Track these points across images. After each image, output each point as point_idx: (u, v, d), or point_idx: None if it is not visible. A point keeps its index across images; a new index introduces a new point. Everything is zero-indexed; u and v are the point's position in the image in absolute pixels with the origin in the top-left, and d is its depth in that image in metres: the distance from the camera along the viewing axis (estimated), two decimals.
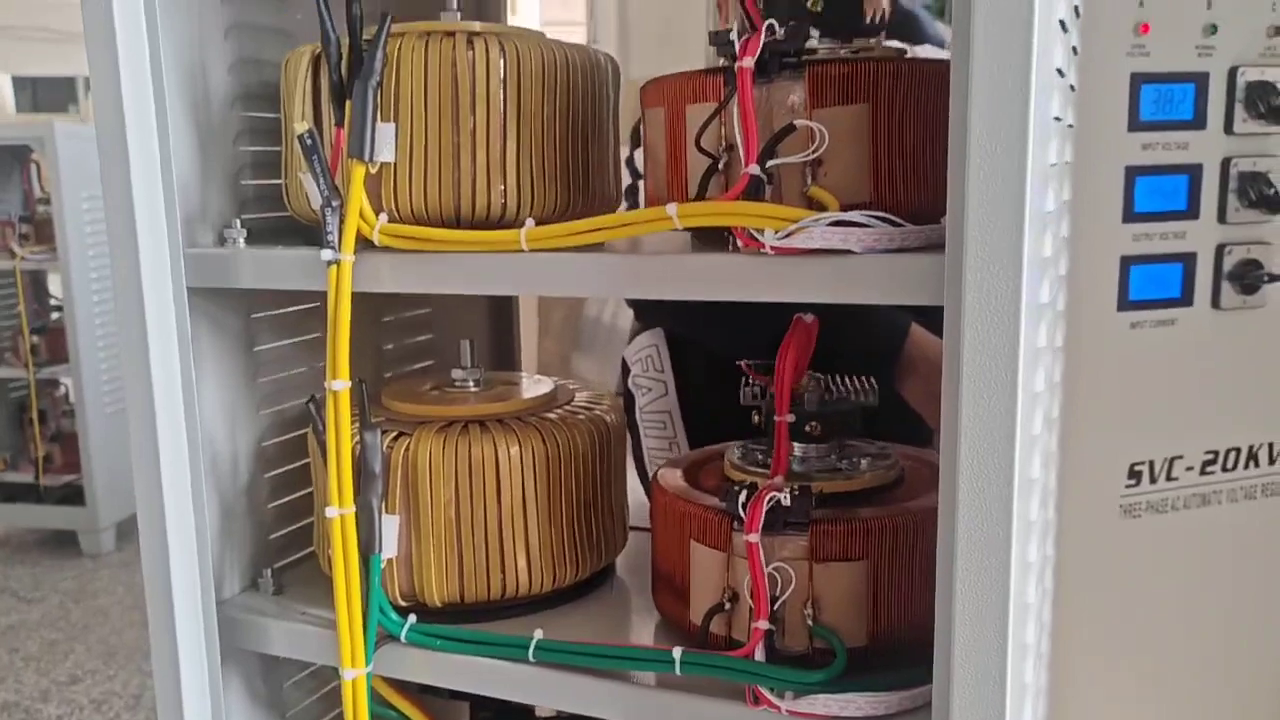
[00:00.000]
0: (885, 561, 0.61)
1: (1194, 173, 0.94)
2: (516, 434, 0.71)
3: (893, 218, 0.54)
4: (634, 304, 1.40)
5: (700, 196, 0.59)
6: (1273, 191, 0.93)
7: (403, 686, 0.74)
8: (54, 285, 2.31)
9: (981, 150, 0.47)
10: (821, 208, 0.55)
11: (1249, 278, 0.96)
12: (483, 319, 1.02)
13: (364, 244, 0.65)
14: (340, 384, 0.64)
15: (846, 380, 0.72)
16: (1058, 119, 0.58)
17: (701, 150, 0.58)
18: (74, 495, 2.28)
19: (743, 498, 0.61)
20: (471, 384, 0.78)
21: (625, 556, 0.82)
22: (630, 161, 1.36)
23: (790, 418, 0.65)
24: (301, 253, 0.67)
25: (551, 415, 0.74)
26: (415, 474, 0.69)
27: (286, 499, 0.82)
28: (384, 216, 0.64)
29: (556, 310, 3.42)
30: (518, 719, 0.90)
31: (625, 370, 1.43)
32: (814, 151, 0.55)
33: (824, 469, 0.68)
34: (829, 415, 0.67)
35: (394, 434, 0.71)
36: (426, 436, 0.70)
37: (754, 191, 0.55)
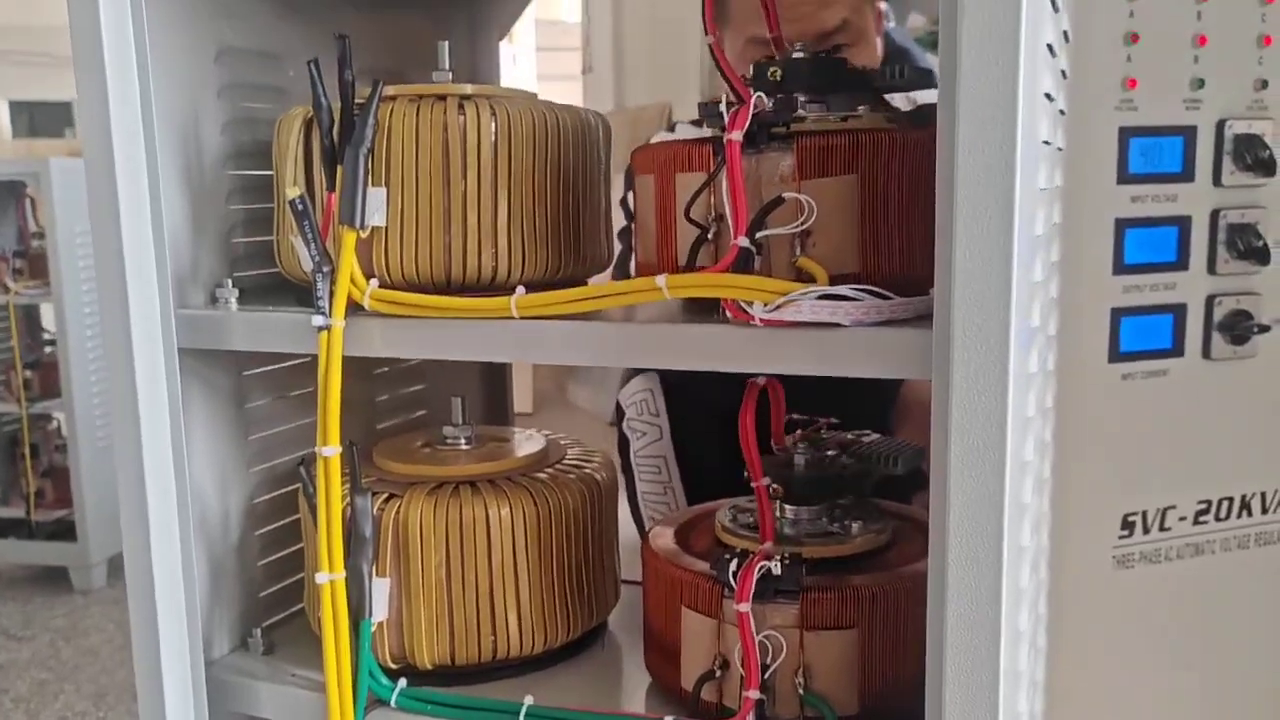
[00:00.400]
0: (877, 629, 0.61)
1: (1183, 224, 0.94)
2: (507, 494, 0.71)
3: (880, 291, 0.54)
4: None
5: (690, 265, 0.59)
6: (1261, 243, 0.94)
7: None
8: (47, 319, 2.31)
9: (967, 224, 0.48)
10: (810, 279, 0.56)
11: (1239, 328, 0.96)
12: (475, 365, 1.02)
13: (355, 308, 0.65)
14: (330, 450, 0.64)
15: (839, 434, 0.72)
16: (1043, 189, 0.58)
17: (691, 221, 0.59)
18: (65, 531, 2.27)
19: (733, 566, 0.61)
20: (463, 441, 0.78)
21: (618, 608, 0.81)
22: (624, 202, 1.36)
23: (767, 481, 0.64)
24: (293, 317, 0.67)
25: (542, 475, 0.74)
26: (406, 536, 0.69)
27: (277, 555, 0.82)
28: (375, 282, 0.64)
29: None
30: None
31: (620, 413, 1.43)
32: (802, 223, 0.56)
33: (814, 532, 0.68)
34: (813, 481, 0.67)
35: (385, 496, 0.71)
36: (417, 498, 0.70)
37: (743, 263, 0.56)
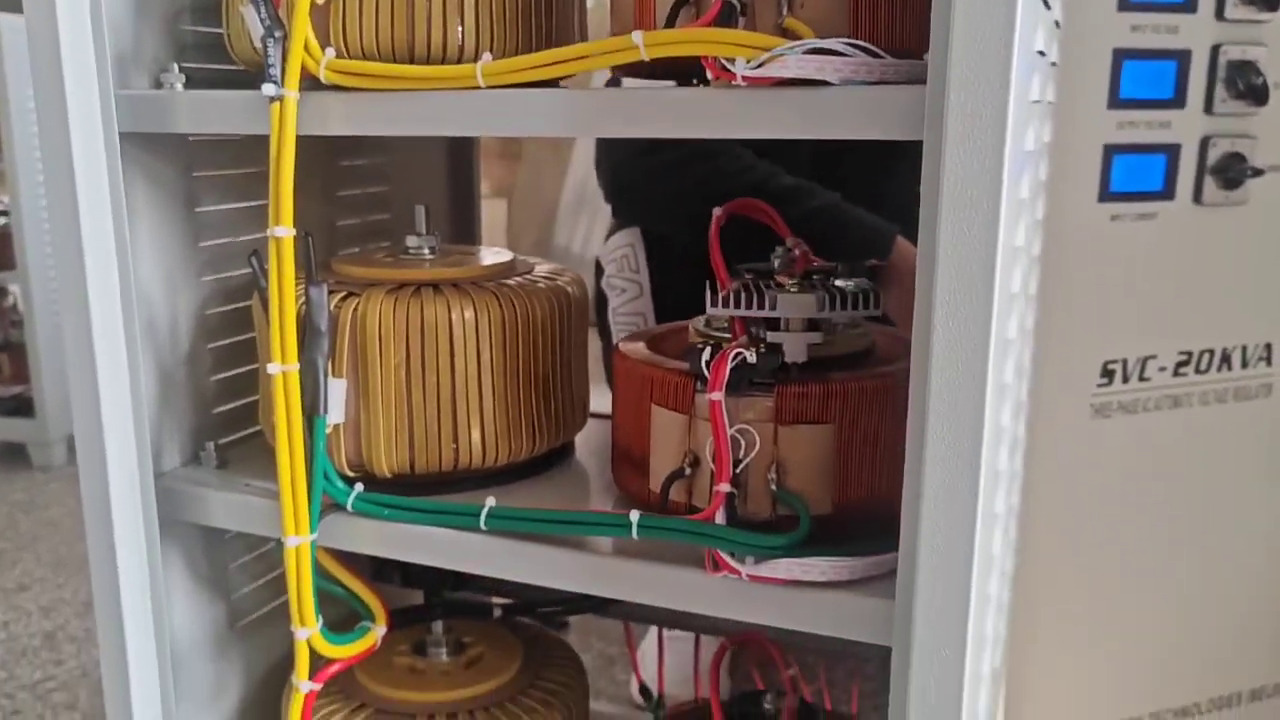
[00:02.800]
0: (853, 426, 0.59)
1: (1183, 59, 0.91)
2: (472, 298, 0.67)
3: (873, 48, 0.50)
4: (611, 200, 1.35)
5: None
6: (1261, 81, 0.91)
7: (351, 562, 0.72)
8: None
9: None
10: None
11: (1233, 172, 0.94)
12: (441, 184, 0.98)
13: (311, 84, 0.61)
14: (284, 230, 0.60)
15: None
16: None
17: None
18: (23, 407, 2.22)
19: (706, 355, 0.58)
20: (426, 251, 0.74)
21: (586, 445, 0.79)
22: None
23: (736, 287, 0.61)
24: (243, 93, 0.62)
25: (510, 282, 0.70)
26: (364, 336, 0.66)
27: (231, 373, 0.78)
28: (331, 51, 0.60)
29: (526, 235, 3.36)
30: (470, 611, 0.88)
31: (599, 271, 1.39)
32: None
33: None
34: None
35: (343, 294, 0.67)
36: (376, 297, 0.66)
37: (726, 18, 0.52)
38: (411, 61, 0.61)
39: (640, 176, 1.26)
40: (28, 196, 2.12)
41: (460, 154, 0.98)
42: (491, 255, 0.76)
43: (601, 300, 1.38)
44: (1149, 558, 1.06)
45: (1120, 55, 0.89)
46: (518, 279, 0.71)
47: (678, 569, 0.59)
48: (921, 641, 0.51)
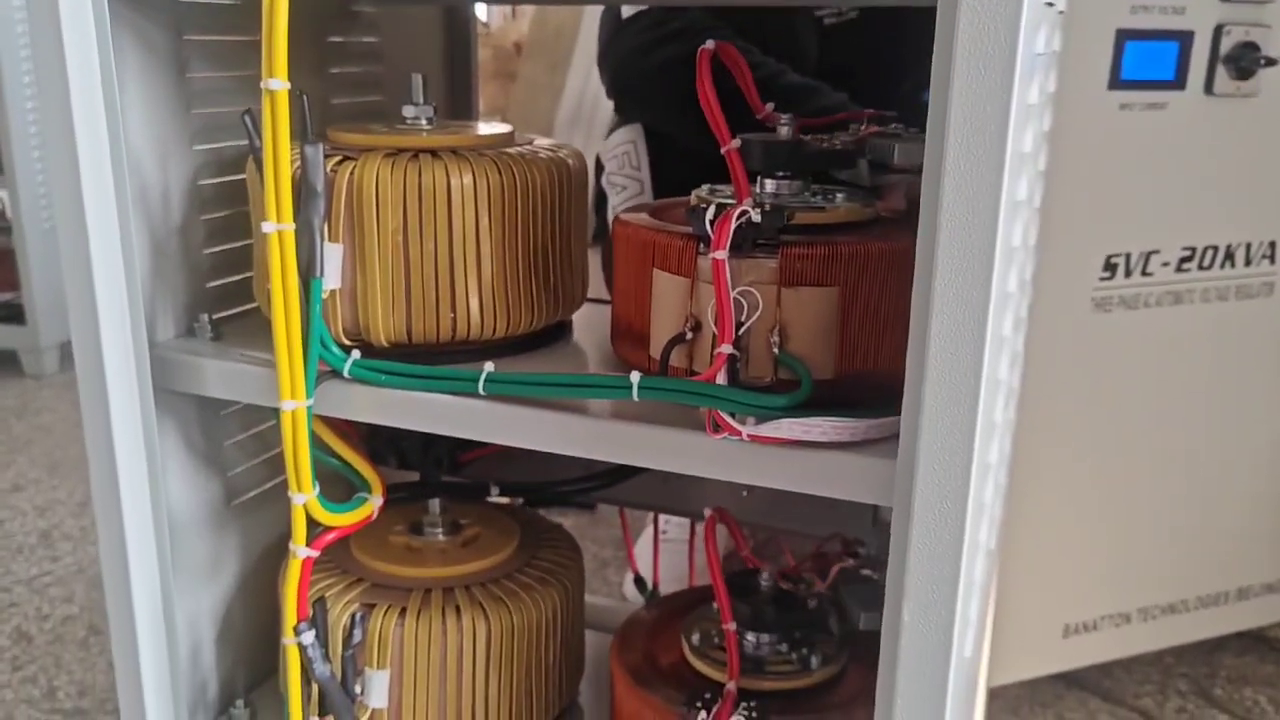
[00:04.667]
0: (857, 290, 0.58)
1: None
2: (470, 164, 0.66)
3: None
4: (613, 96, 1.33)
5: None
6: None
7: (345, 436, 0.71)
8: None
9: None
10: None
11: (1246, 60, 0.92)
12: (437, 64, 0.96)
13: None
14: (277, 83, 0.59)
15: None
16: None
17: None
18: (14, 314, 2.20)
19: (710, 214, 0.57)
20: (424, 121, 0.73)
21: (585, 326, 0.78)
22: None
23: (737, 144, 0.60)
24: None
25: (509, 150, 0.69)
26: (361, 200, 0.65)
27: (225, 246, 0.77)
28: None
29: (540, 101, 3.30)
30: (465, 492, 0.88)
31: (599, 168, 1.37)
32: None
33: (797, 203, 0.64)
34: (795, 148, 0.63)
35: (339, 158, 0.66)
36: (373, 161, 0.65)
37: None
38: None
39: (642, 74, 1.23)
40: (13, 98, 2.08)
41: (456, 32, 0.96)
42: (490, 127, 0.74)
43: (602, 198, 1.36)
44: (1144, 453, 1.07)
45: None
46: (517, 149, 0.70)
47: (679, 431, 0.58)
48: (923, 500, 0.51)
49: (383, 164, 0.65)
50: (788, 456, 0.56)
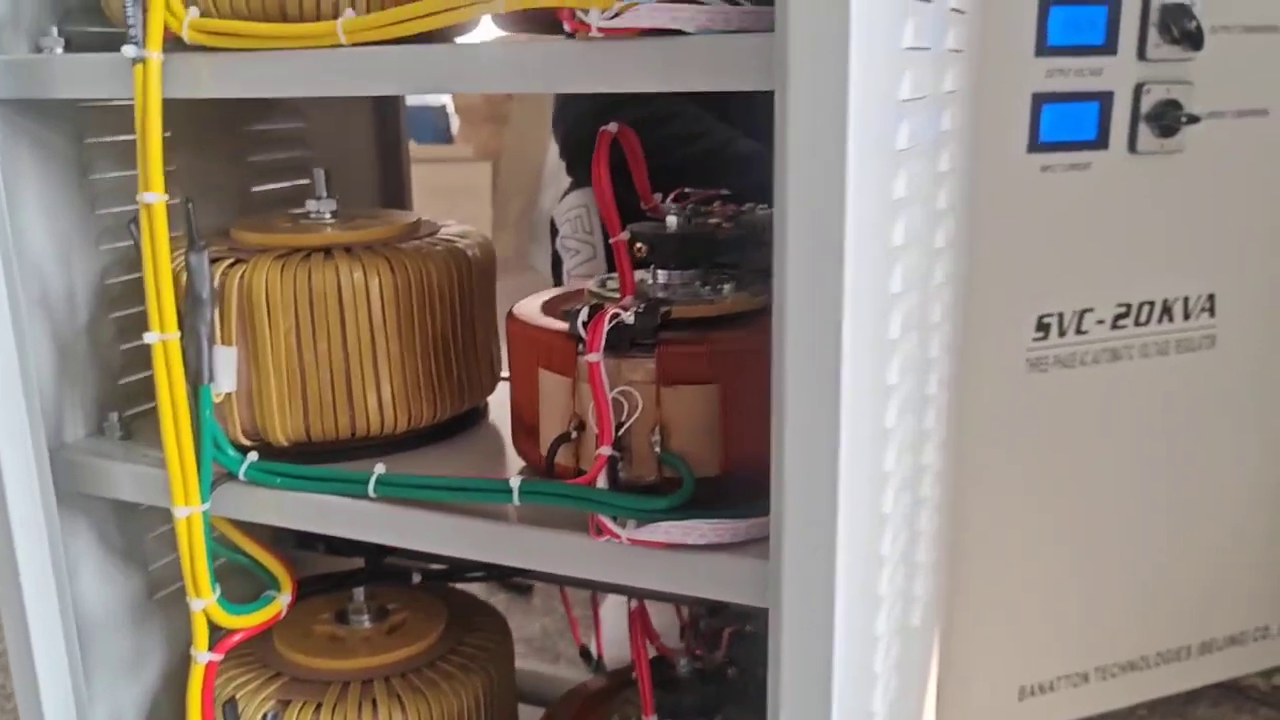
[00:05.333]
0: (738, 386, 0.58)
1: (1113, 4, 0.89)
2: (363, 263, 0.66)
3: None
4: (565, 159, 1.33)
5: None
6: (1195, 25, 0.88)
7: (254, 532, 0.71)
8: None
9: None
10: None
11: (1167, 118, 0.92)
12: (368, 148, 0.97)
13: (178, 44, 0.59)
14: (153, 196, 0.59)
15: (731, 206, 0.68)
16: None
17: None
18: None
19: (584, 316, 0.56)
20: (327, 215, 0.73)
21: (503, 409, 0.78)
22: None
23: (628, 236, 0.60)
24: (109, 55, 0.60)
25: (404, 246, 0.69)
26: (252, 303, 0.65)
27: (136, 343, 0.77)
28: (195, 10, 0.58)
29: (513, 203, 3.34)
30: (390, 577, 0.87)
31: (554, 231, 1.37)
32: None
33: (686, 295, 0.64)
34: (684, 239, 0.63)
35: (231, 260, 0.66)
36: (264, 265, 0.65)
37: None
38: (285, 19, 0.60)
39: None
40: None
41: (386, 116, 0.97)
42: (395, 218, 0.74)
43: (557, 261, 1.36)
44: (1092, 511, 1.05)
45: (1047, 1, 0.87)
46: (415, 242, 0.70)
47: (563, 534, 0.58)
48: (790, 603, 0.50)
49: (273, 267, 0.65)
50: (668, 559, 0.55)
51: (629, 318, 0.56)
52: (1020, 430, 0.97)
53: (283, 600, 0.70)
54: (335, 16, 0.59)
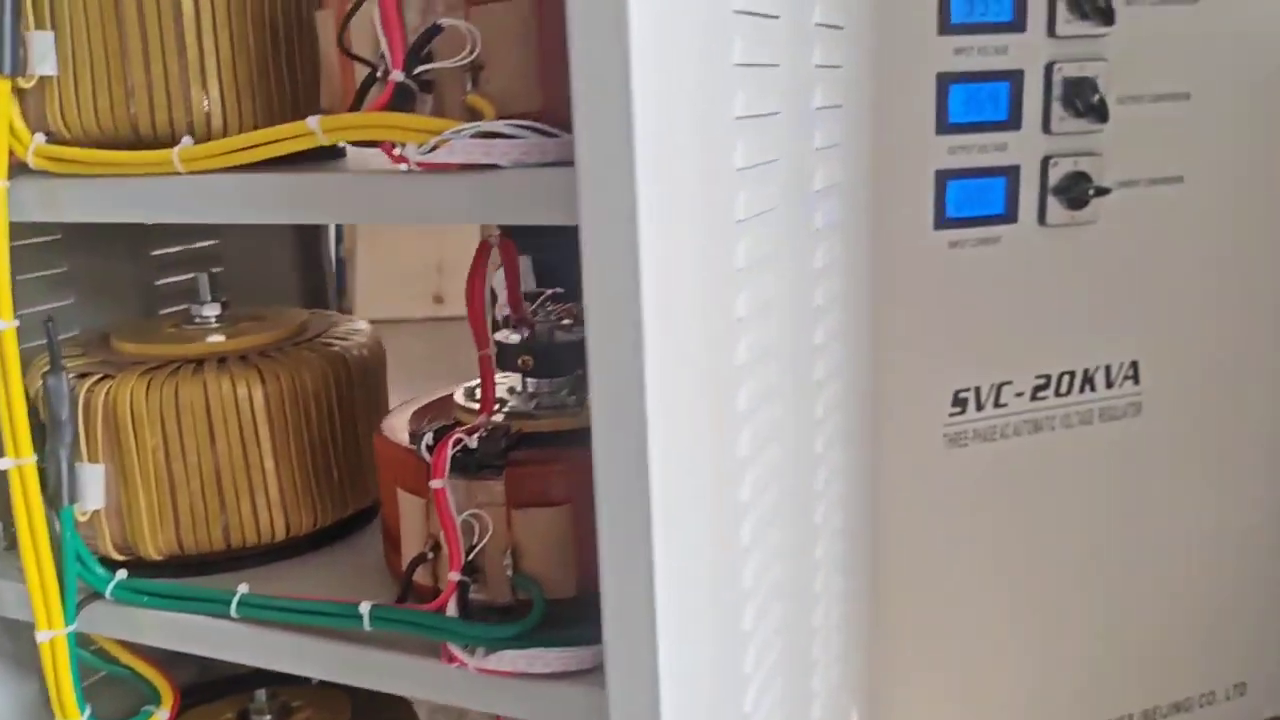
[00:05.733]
0: (591, 506, 0.57)
1: (1014, 79, 0.88)
2: (232, 374, 0.66)
3: (547, 128, 0.48)
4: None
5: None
6: (1098, 98, 0.88)
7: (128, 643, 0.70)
8: None
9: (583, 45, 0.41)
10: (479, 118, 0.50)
11: (1076, 191, 0.91)
12: (286, 240, 0.96)
13: (24, 168, 0.59)
14: (2, 324, 0.59)
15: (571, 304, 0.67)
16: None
17: (352, 56, 0.52)
18: None
19: (428, 439, 0.56)
20: (212, 320, 0.73)
21: None
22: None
23: (494, 349, 0.59)
24: None
25: (276, 353, 0.68)
26: (118, 420, 0.64)
27: None
28: (41, 136, 0.58)
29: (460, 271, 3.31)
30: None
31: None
32: (468, 55, 0.49)
33: (553, 406, 0.63)
34: (551, 349, 0.62)
35: (97, 377, 0.65)
36: (129, 379, 0.65)
37: (401, 100, 0.50)
38: (137, 137, 0.59)
39: None
40: None
41: None
42: (284, 319, 0.74)
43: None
44: (1020, 587, 1.04)
45: (946, 79, 0.87)
46: (289, 348, 0.70)
47: (416, 659, 0.57)
48: None
49: (138, 383, 0.64)
50: (514, 687, 0.54)
51: (473, 442, 0.55)
52: (942, 508, 0.96)
53: (160, 715, 0.70)
54: (187, 135, 0.59)
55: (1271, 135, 0.96)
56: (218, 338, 0.70)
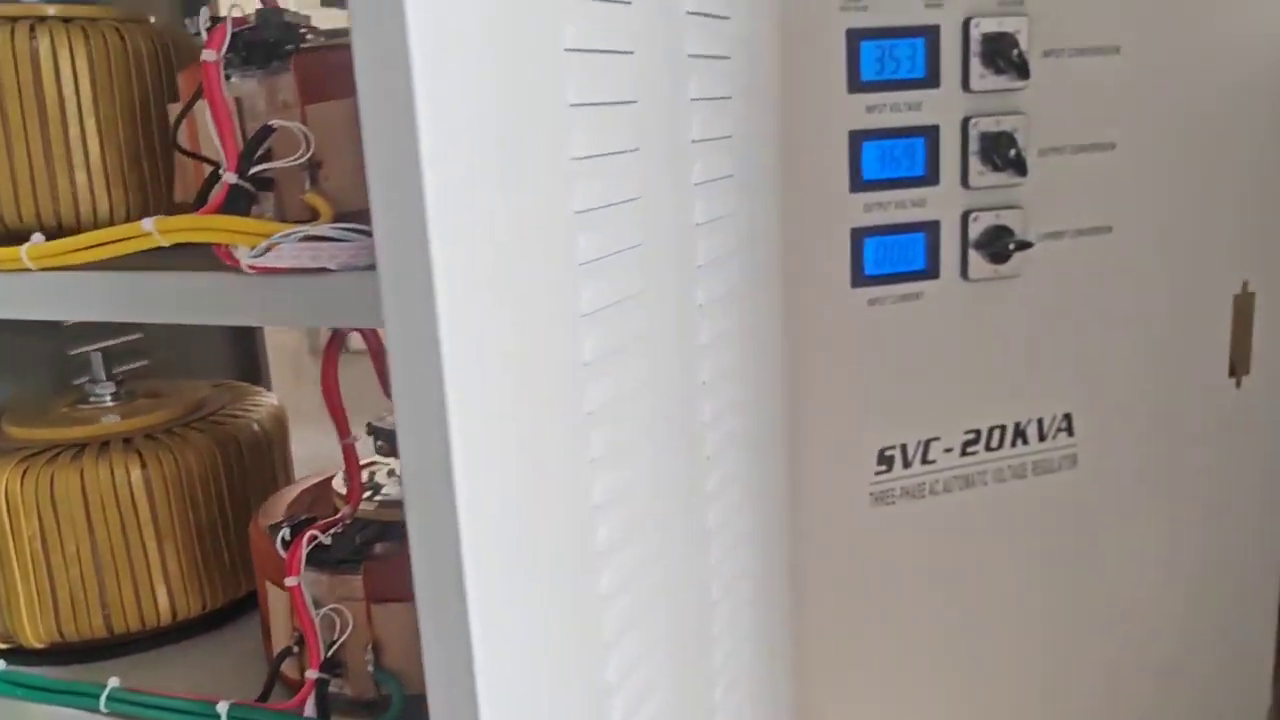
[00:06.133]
0: None
1: (930, 135, 0.87)
2: (111, 460, 0.65)
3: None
4: None
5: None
6: (1015, 152, 0.87)
7: None
8: None
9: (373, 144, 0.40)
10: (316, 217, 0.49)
11: (997, 245, 0.89)
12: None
13: None
14: None
15: None
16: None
17: (190, 155, 0.52)
18: None
19: (284, 535, 0.55)
20: (108, 399, 0.72)
21: None
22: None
23: (356, 439, 0.58)
24: None
25: (163, 435, 0.68)
26: None
27: None
28: None
29: None
30: None
31: None
32: (303, 154, 0.48)
33: None
34: None
35: None
36: (5, 468, 0.64)
37: (236, 202, 0.49)
38: (4, 234, 0.59)
39: None
40: None
41: None
42: (182, 396, 0.73)
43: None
44: (954, 645, 1.02)
45: (858, 137, 0.85)
46: (183, 427, 0.69)
47: None
48: None
49: (13, 472, 0.64)
50: None
51: (327, 539, 0.54)
52: (868, 568, 0.94)
53: None
54: (39, 228, 0.59)
55: (1200, 181, 0.95)
56: (112, 418, 0.70)
